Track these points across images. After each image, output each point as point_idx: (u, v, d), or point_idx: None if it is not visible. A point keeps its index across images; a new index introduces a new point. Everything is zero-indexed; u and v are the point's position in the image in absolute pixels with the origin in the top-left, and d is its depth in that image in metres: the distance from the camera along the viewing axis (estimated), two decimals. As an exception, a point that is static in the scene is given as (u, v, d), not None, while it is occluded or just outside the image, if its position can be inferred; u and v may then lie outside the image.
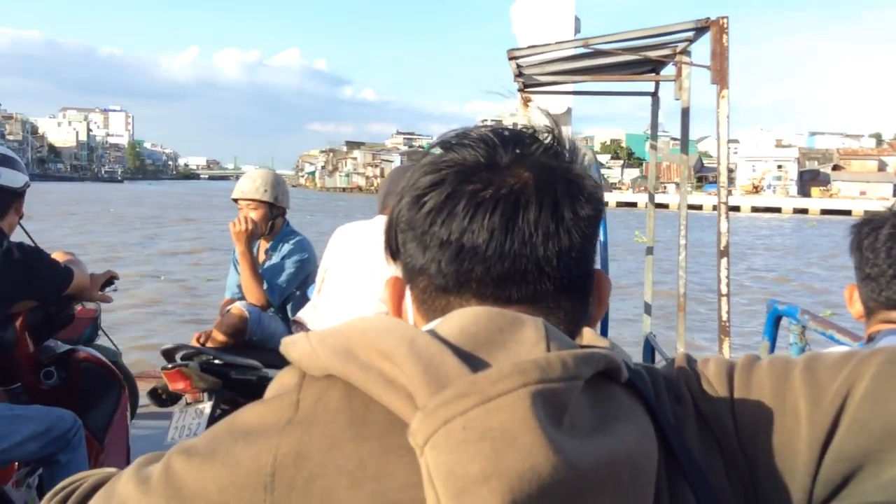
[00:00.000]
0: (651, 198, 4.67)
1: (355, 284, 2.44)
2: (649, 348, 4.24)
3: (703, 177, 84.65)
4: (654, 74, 4.29)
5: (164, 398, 3.59)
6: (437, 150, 0.73)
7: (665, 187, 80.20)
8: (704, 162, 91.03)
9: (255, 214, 3.76)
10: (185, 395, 3.47)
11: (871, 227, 1.46)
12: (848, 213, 62.37)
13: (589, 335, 0.67)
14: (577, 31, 4.30)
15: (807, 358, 0.67)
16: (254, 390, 3.39)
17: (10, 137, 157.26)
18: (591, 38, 3.66)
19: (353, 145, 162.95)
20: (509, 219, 0.65)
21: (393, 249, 0.74)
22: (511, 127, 0.75)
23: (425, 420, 0.52)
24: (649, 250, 4.58)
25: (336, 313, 2.47)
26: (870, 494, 0.61)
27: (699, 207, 68.48)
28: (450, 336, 0.59)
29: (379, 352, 0.58)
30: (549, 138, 0.72)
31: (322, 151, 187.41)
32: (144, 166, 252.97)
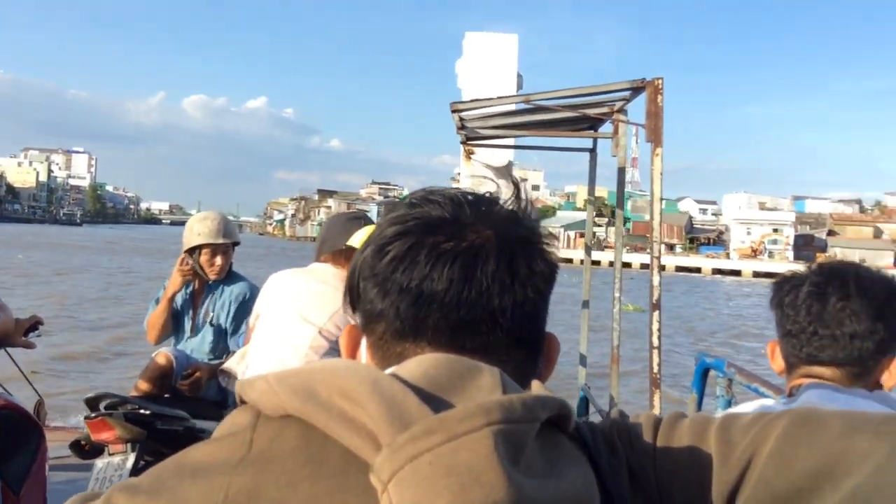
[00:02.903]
0: (588, 251, 4.95)
1: (287, 332, 2.49)
2: (584, 401, 4.43)
3: (694, 238, 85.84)
4: (592, 131, 4.58)
5: (86, 449, 3.57)
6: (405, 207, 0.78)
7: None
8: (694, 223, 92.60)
9: (222, 259, 3.87)
10: (107, 447, 3.55)
11: (791, 285, 1.56)
12: None
13: (538, 388, 0.70)
14: (520, 87, 4.61)
15: (724, 417, 0.73)
16: (180, 442, 3.37)
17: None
18: (532, 94, 3.96)
19: (325, 194, 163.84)
20: (468, 270, 0.71)
21: (353, 298, 0.79)
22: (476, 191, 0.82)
23: (391, 456, 0.55)
24: (585, 304, 4.83)
25: (265, 362, 2.53)
26: None
27: (697, 270, 69.32)
28: (411, 379, 0.63)
29: (341, 392, 0.61)
30: (510, 201, 0.79)
31: (292, 199, 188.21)
32: (105, 209, 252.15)
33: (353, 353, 0.79)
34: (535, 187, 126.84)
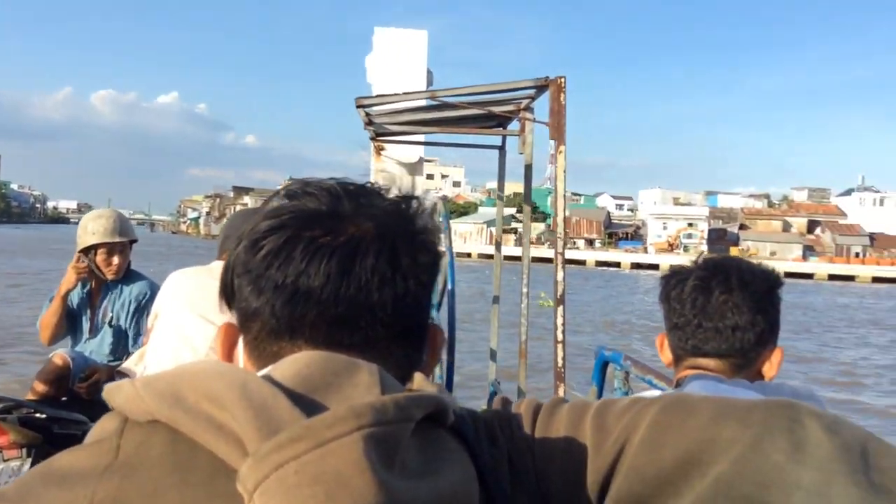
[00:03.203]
0: (498, 247, 5.06)
1: (186, 332, 2.44)
2: (493, 396, 4.53)
3: (613, 233, 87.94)
4: (501, 129, 4.68)
5: (-23, 455, 3.56)
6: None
7: (574, 242, 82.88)
8: (612, 218, 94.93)
9: (119, 259, 3.79)
10: (1, 452, 3.45)
11: (677, 280, 1.62)
12: None
13: (420, 381, 0.70)
14: (430, 83, 4.66)
15: (600, 404, 0.74)
16: (78, 446, 3.43)
17: None
18: (438, 91, 4.01)
19: (241, 191, 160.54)
20: (347, 264, 0.69)
21: (228, 295, 0.76)
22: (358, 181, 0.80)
23: (256, 465, 0.54)
24: (495, 299, 4.94)
25: (164, 363, 2.47)
26: None
27: (617, 265, 70.95)
28: (284, 380, 0.62)
29: (208, 397, 0.60)
30: (393, 192, 0.78)
31: (207, 197, 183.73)
32: (10, 209, 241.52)
33: (228, 354, 0.77)
34: (457, 183, 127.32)
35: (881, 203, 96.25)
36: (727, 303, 1.53)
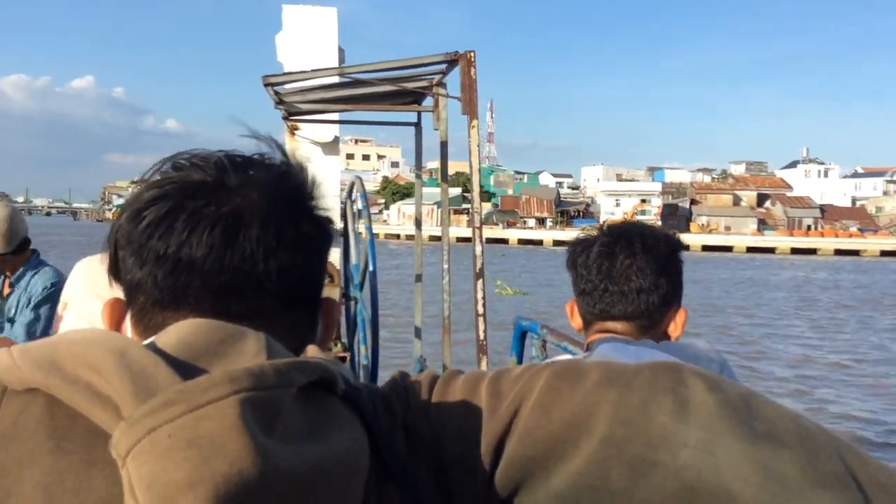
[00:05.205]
0: (418, 224, 5.22)
1: (95, 320, 2.59)
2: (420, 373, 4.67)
3: (564, 211, 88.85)
4: (415, 105, 4.79)
5: None
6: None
7: (525, 222, 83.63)
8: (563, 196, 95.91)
9: (11, 266, 3.79)
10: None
11: (583, 247, 1.71)
12: (729, 249, 67.24)
13: (313, 352, 0.71)
14: (342, 61, 4.74)
15: (496, 371, 0.77)
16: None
17: None
18: (348, 67, 4.11)
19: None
20: (230, 234, 0.71)
21: (114, 268, 0.77)
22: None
23: (129, 430, 0.55)
24: (418, 277, 5.09)
25: None
26: (543, 502, 0.70)
27: (573, 243, 70.83)
28: (167, 347, 0.63)
29: (87, 364, 0.61)
30: (282, 163, 0.79)
31: (133, 182, 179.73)
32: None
33: (117, 328, 0.78)
34: (395, 164, 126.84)
35: (825, 175, 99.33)
36: (632, 267, 1.63)
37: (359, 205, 4.75)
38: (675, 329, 1.70)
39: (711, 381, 0.70)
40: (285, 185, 0.77)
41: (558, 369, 0.73)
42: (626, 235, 1.69)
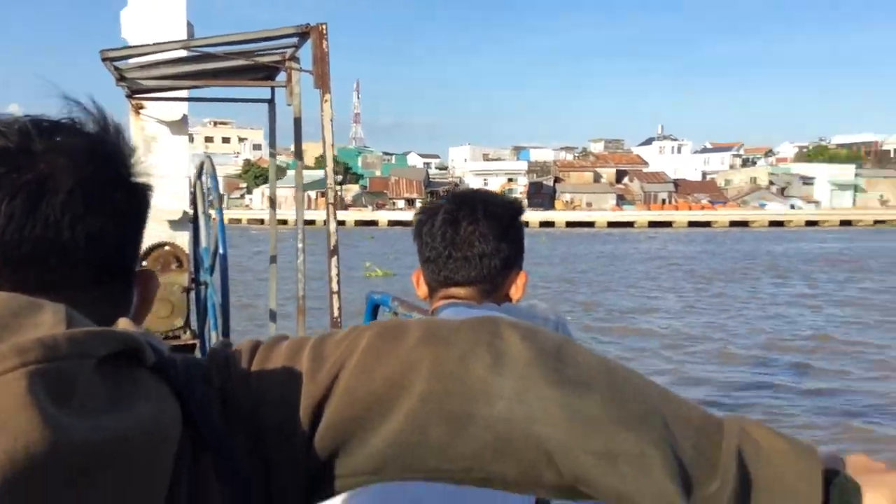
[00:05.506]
0: (272, 203, 5.16)
1: None
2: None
3: (433, 192, 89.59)
4: (267, 80, 4.71)
5: None
6: None
7: (394, 203, 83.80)
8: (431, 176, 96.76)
9: None
10: None
11: (428, 215, 1.74)
12: (591, 224, 70.03)
13: (125, 324, 0.69)
14: (191, 36, 4.59)
15: (320, 335, 0.76)
16: None
17: None
18: (194, 41, 3.98)
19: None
20: (32, 203, 0.69)
21: None
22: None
23: None
24: (272, 259, 5.06)
25: None
26: (362, 464, 0.71)
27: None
28: None
29: None
30: (95, 128, 0.77)
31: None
32: None
33: None
34: (257, 146, 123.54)
35: (679, 151, 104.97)
36: (475, 233, 1.68)
37: (208, 185, 4.64)
38: (515, 291, 1.77)
39: (526, 330, 0.73)
40: (96, 151, 0.75)
41: (380, 329, 0.74)
42: (469, 202, 1.74)
